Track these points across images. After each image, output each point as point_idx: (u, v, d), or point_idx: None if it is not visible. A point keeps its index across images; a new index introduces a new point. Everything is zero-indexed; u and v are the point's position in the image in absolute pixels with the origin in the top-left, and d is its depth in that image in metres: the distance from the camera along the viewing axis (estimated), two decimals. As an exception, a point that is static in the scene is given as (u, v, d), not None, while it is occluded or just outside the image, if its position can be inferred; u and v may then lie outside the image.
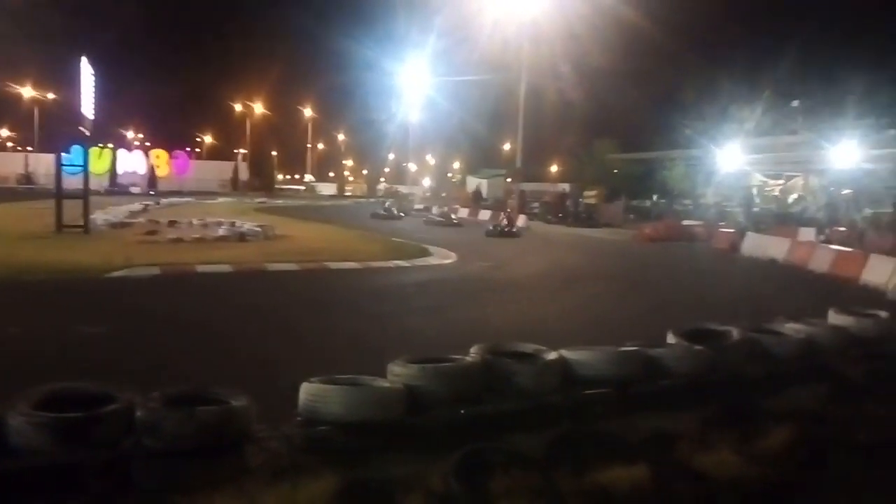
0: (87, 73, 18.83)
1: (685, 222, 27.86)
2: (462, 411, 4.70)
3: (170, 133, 75.60)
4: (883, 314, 7.47)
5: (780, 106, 33.39)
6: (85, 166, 19.26)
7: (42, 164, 50.52)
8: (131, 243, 15.61)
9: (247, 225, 19.20)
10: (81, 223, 17.64)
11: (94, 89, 19.40)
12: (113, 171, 56.49)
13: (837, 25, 47.53)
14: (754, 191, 36.08)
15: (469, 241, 20.78)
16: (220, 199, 45.03)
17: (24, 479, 3.55)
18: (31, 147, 64.29)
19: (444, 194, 58.02)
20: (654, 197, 40.79)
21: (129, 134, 78.46)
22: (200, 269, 12.52)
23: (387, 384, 4.62)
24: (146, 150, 64.49)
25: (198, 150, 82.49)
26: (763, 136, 32.72)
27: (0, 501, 3.50)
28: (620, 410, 5.08)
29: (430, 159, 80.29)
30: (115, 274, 11.49)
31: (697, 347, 5.88)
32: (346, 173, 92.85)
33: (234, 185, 63.63)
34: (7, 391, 3.88)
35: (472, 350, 5.24)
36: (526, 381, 5.01)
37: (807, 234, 22.18)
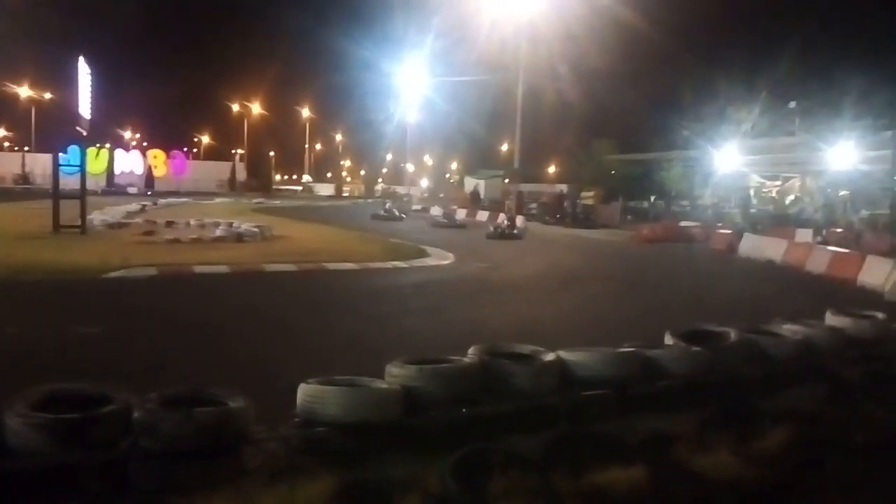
0: (84, 72, 18.81)
1: (682, 223, 27.88)
2: (461, 412, 4.70)
3: (167, 133, 75.68)
4: (880, 315, 7.49)
5: (777, 107, 33.44)
6: (82, 166, 19.25)
7: (39, 164, 50.44)
8: (128, 244, 15.58)
9: (244, 225, 19.17)
10: (78, 223, 17.63)
11: (91, 89, 19.37)
12: (110, 172, 56.45)
13: (834, 27, 47.65)
14: (751, 192, 36.14)
15: (467, 242, 20.76)
16: (218, 200, 44.97)
17: (22, 480, 3.55)
18: (28, 147, 64.17)
19: (441, 195, 58.02)
20: (652, 198, 40.81)
21: (127, 134, 78.47)
22: (198, 269, 12.51)
23: (384, 385, 4.62)
24: (143, 151, 64.46)
25: (195, 150, 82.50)
26: (760, 138, 32.77)
27: (-3, 502, 3.49)
28: (618, 411, 5.08)
29: (428, 160, 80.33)
30: (113, 274, 11.47)
31: (695, 349, 5.89)
32: (344, 174, 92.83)
33: (232, 186, 63.57)
34: (4, 392, 3.87)
35: (470, 351, 5.24)
36: (523, 382, 5.01)
37: (804, 235, 22.22)
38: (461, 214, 35.52)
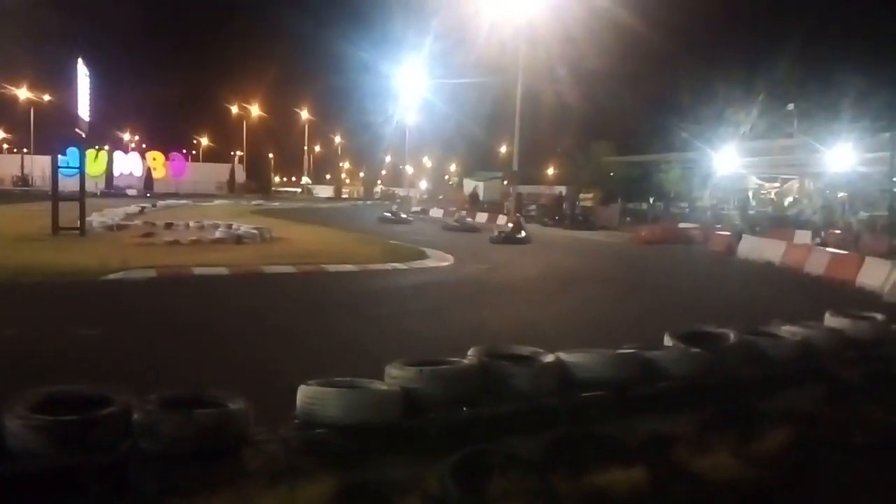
0: (83, 74, 18.81)
1: (681, 225, 27.94)
2: (460, 413, 4.70)
3: (166, 135, 75.79)
4: (879, 317, 7.50)
5: (775, 109, 33.48)
6: (81, 168, 19.25)
7: (38, 166, 50.52)
8: (128, 245, 15.57)
9: (243, 227, 19.16)
10: (78, 225, 17.62)
11: (90, 91, 19.38)
12: (109, 173, 56.49)
13: (833, 29, 47.76)
14: (750, 194, 36.19)
15: (467, 244, 20.75)
16: (217, 202, 44.96)
17: (21, 482, 3.54)
18: (28, 149, 64.15)
19: (441, 196, 58.02)
20: (651, 200, 40.88)
21: (126, 136, 78.53)
22: (197, 271, 12.50)
23: (384, 387, 4.62)
24: (142, 152, 64.51)
25: (194, 152, 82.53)
26: (759, 140, 32.79)
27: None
28: (618, 413, 5.09)
29: (427, 161, 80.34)
30: (112, 276, 11.46)
31: (694, 350, 5.89)
32: (343, 176, 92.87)
33: (231, 188, 63.61)
34: (4, 394, 3.87)
35: (470, 353, 5.24)
36: (523, 384, 5.01)
37: (803, 236, 22.27)
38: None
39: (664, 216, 35.01)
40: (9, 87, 60.26)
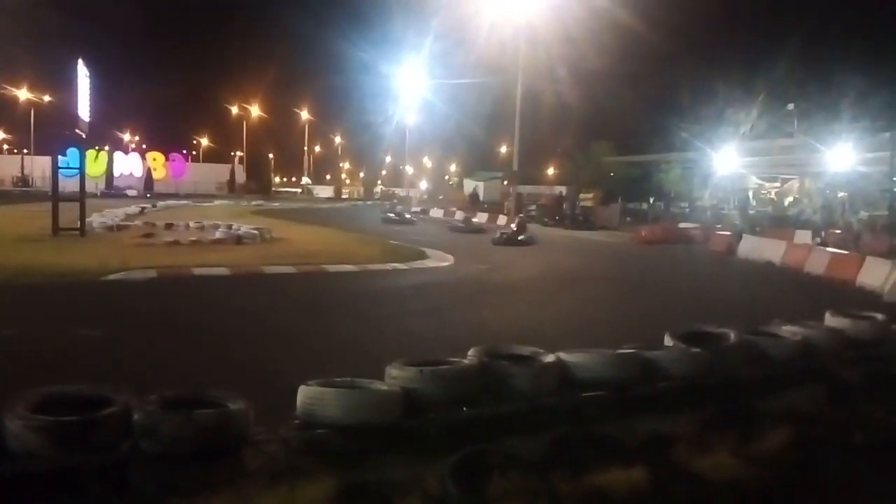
0: (83, 75, 18.82)
1: (681, 225, 27.93)
2: (460, 413, 4.70)
3: (166, 135, 75.79)
4: (879, 316, 7.49)
5: (775, 109, 33.47)
6: (81, 169, 19.26)
7: (38, 166, 50.51)
8: (128, 246, 15.58)
9: (243, 228, 19.17)
10: (78, 226, 17.63)
11: (90, 91, 19.38)
12: (109, 174, 56.54)
13: (832, 29, 47.76)
14: (750, 193, 36.18)
15: (468, 244, 20.74)
16: (217, 202, 44.98)
17: (22, 482, 3.54)
18: (28, 149, 64.16)
19: (441, 197, 58.05)
20: (651, 200, 40.88)
21: (126, 136, 78.50)
22: (197, 271, 12.50)
23: (384, 387, 4.62)
24: (143, 153, 64.53)
25: (194, 152, 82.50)
26: (759, 139, 32.80)
27: (-3, 505, 3.49)
28: (618, 413, 5.08)
29: (427, 162, 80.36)
30: (112, 277, 11.47)
31: (694, 350, 5.89)
32: (343, 176, 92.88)
33: (231, 188, 63.62)
34: (4, 394, 3.87)
35: (470, 353, 5.24)
36: (523, 384, 5.01)
37: (803, 236, 22.25)
38: (458, 216, 35.53)
39: (664, 216, 35.01)
40: (9, 87, 60.31)
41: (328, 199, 66.45)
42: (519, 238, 21.47)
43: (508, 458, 3.97)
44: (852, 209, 27.62)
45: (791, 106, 33.53)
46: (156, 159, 61.59)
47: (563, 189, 41.30)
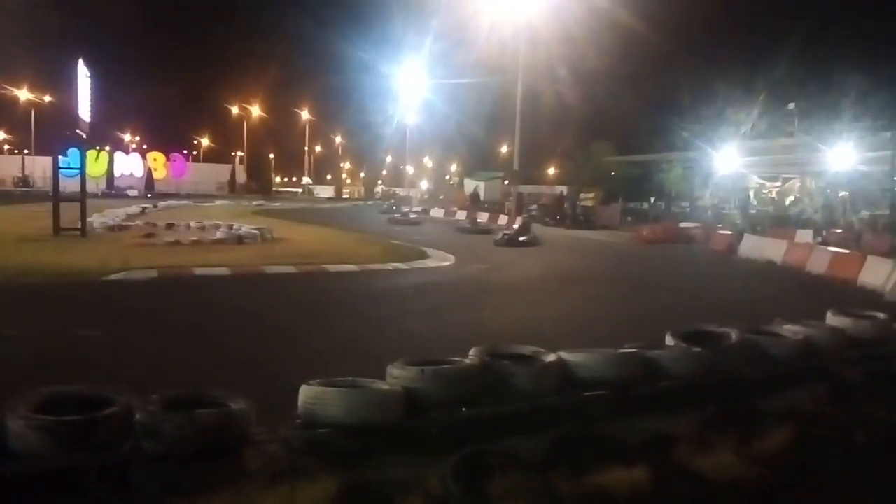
0: (83, 75, 18.82)
1: (682, 224, 27.91)
2: (461, 413, 4.70)
3: (167, 135, 75.83)
4: (881, 316, 7.49)
5: (776, 108, 33.45)
6: (82, 169, 19.26)
7: (39, 166, 50.55)
8: (129, 246, 15.59)
9: (244, 228, 19.18)
10: (79, 226, 17.63)
11: (90, 92, 19.38)
12: (110, 174, 56.57)
13: (833, 28, 47.72)
14: (751, 193, 36.16)
15: (469, 244, 20.73)
16: (218, 202, 45.00)
17: (24, 482, 3.55)
18: (28, 150, 64.26)
19: (441, 196, 58.04)
20: (652, 199, 40.86)
21: (127, 136, 78.52)
22: (198, 271, 12.51)
23: (385, 386, 4.62)
24: (143, 153, 64.55)
25: (195, 152, 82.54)
26: (759, 139, 32.79)
27: (-1, 505, 3.49)
28: (619, 412, 5.08)
29: (428, 161, 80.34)
30: (113, 277, 11.47)
31: (696, 349, 5.88)
32: (344, 176, 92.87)
33: (232, 188, 63.64)
34: (5, 394, 3.87)
35: (471, 352, 5.24)
36: (524, 384, 5.01)
37: (804, 236, 22.24)
38: (459, 216, 35.55)
39: (665, 216, 35.02)
40: (10, 87, 60.40)
41: (329, 198, 66.49)
42: (520, 239, 20.75)
43: (510, 457, 3.97)
44: (853, 208, 27.60)
45: (792, 105, 33.51)
46: (156, 159, 61.62)
47: (563, 189, 41.29)
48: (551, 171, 59.72)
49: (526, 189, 40.14)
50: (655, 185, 39.33)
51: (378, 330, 8.49)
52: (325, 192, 73.55)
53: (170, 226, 21.23)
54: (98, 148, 53.40)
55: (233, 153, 77.14)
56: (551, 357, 5.31)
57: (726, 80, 33.16)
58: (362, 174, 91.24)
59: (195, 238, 17.73)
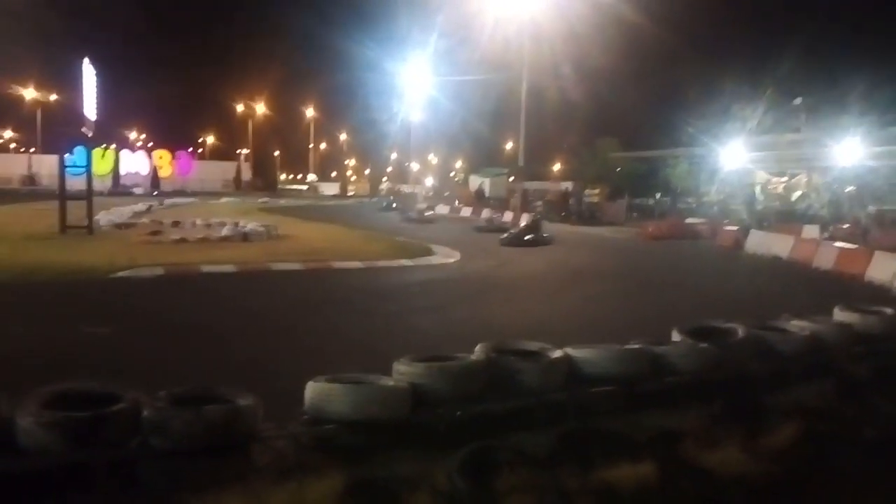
0: (89, 73, 18.88)
1: (688, 220, 27.81)
2: (468, 409, 4.71)
3: (172, 133, 76.08)
4: (888, 311, 7.46)
5: (782, 104, 33.31)
6: (88, 167, 19.32)
7: (45, 165, 50.65)
8: (135, 244, 15.65)
9: (250, 225, 19.21)
10: (85, 224, 17.70)
11: (96, 90, 19.46)
12: (116, 172, 56.70)
13: (840, 22, 47.46)
14: (757, 188, 36.01)
15: (475, 241, 20.70)
16: (224, 200, 45.05)
17: (33, 478, 3.57)
18: (35, 148, 64.47)
19: (446, 193, 58.00)
20: (657, 195, 40.73)
21: (132, 135, 78.69)
22: (204, 269, 12.54)
23: (392, 383, 4.63)
24: (149, 151, 64.68)
25: (200, 150, 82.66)
26: (766, 134, 32.65)
27: (10, 501, 3.51)
28: (626, 408, 5.08)
29: (433, 158, 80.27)
30: (120, 274, 11.52)
31: (702, 345, 5.87)
32: (349, 173, 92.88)
33: (237, 186, 63.69)
34: (14, 391, 3.89)
35: (477, 348, 5.25)
36: (531, 379, 5.02)
37: (811, 231, 22.14)
38: (465, 212, 35.54)
39: (671, 211, 34.89)
40: (16, 86, 60.62)
41: (334, 196, 66.47)
42: (526, 238, 19.56)
43: (516, 453, 3.97)
44: (860, 204, 27.45)
45: (798, 100, 33.37)
46: (162, 157, 61.72)
47: (569, 185, 41.20)
48: (556, 167, 59.61)
49: (531, 185, 40.07)
50: (661, 180, 39.19)
51: (384, 326, 8.50)
52: (330, 189, 73.51)
53: (176, 223, 21.28)
54: (104, 146, 53.52)
55: (238, 151, 77.23)
56: (557, 353, 5.31)
57: (732, 76, 33.09)
58: (367, 171, 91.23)
59: (201, 235, 17.78)
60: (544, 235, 20.40)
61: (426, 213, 30.79)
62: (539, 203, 35.98)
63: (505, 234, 20.38)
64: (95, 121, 19.59)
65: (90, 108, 18.94)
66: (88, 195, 18.22)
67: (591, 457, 4.04)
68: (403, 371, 4.71)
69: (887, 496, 4.36)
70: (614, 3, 31.89)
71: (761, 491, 4.08)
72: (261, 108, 76.17)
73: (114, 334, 7.47)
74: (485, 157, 66.68)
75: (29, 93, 62.63)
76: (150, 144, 72.94)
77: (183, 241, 16.59)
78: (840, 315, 7.32)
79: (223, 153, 78.94)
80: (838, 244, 16.75)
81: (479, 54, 35.39)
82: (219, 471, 3.72)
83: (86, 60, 18.67)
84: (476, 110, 50.42)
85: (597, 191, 36.60)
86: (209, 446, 3.79)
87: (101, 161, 50.67)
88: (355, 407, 4.27)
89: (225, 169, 67.57)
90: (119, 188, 52.89)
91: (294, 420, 4.32)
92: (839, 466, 4.53)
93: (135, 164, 60.22)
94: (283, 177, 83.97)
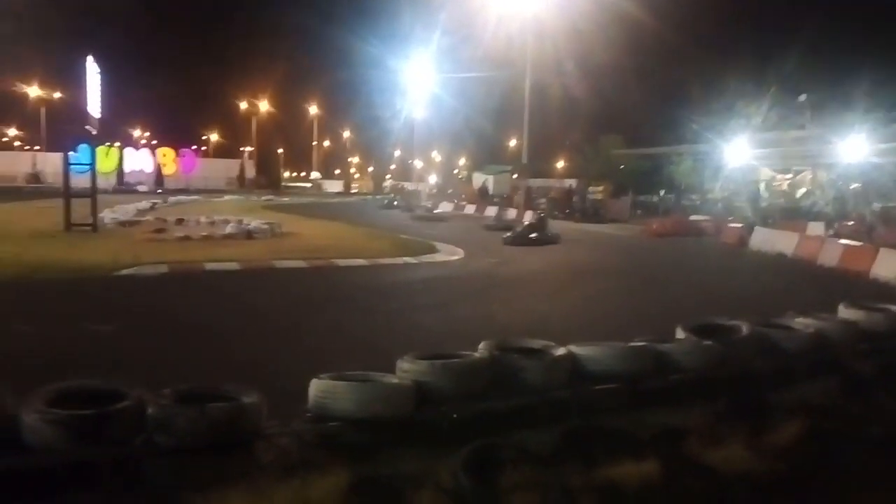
0: (93, 71, 18.91)
1: (693, 217, 27.76)
2: (472, 406, 4.71)
3: (176, 131, 76.00)
4: (893, 308, 7.45)
5: (787, 100, 33.21)
6: (92, 165, 19.36)
7: (50, 163, 50.80)
8: (139, 241, 15.68)
9: (254, 222, 19.21)
10: (90, 222, 17.74)
11: (100, 88, 19.48)
12: (120, 170, 56.79)
13: (844, 19, 47.28)
14: (762, 185, 35.92)
15: (478, 239, 20.69)
16: (227, 197, 45.09)
17: (38, 476, 3.58)
18: (39, 146, 64.61)
19: (450, 191, 57.97)
20: (661, 192, 40.64)
21: (136, 132, 78.88)
22: (208, 266, 12.56)
23: (396, 380, 4.63)
24: (153, 149, 64.74)
25: (204, 148, 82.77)
26: (770, 131, 32.55)
27: (15, 498, 3.53)
28: (629, 406, 5.08)
29: (436, 156, 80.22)
30: (124, 272, 11.55)
31: (707, 342, 5.87)
32: (353, 170, 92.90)
33: (241, 183, 63.72)
34: (20, 389, 3.91)
35: (481, 346, 5.25)
36: (534, 377, 5.02)
37: (816, 228, 22.08)
38: (469, 210, 35.52)
39: (675, 208, 34.82)
40: (20, 84, 60.77)
41: (337, 193, 66.51)
42: (531, 236, 19.04)
43: (520, 450, 3.97)
44: (865, 200, 27.36)
45: (803, 97, 33.26)
46: (166, 155, 61.78)
47: (572, 182, 41.14)
48: (560, 164, 59.54)
49: (535, 183, 40.04)
50: (665, 178, 39.11)
51: (387, 324, 8.51)
52: (333, 186, 73.54)
53: (180, 221, 21.31)
54: (108, 144, 53.56)
55: (241, 148, 77.27)
56: (561, 351, 5.31)
57: (736, 72, 32.99)
58: (371, 169, 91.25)
59: (205, 233, 17.80)
60: (550, 234, 19.99)
61: (435, 211, 30.60)
62: (542, 200, 35.96)
63: (508, 233, 19.80)
64: (99, 119, 19.63)
65: (94, 106, 18.98)
66: (93, 193, 18.27)
67: (595, 454, 4.04)
68: (407, 369, 4.72)
69: (892, 493, 4.35)
70: (617, 0, 31.82)
71: (766, 488, 4.08)
72: (264, 106, 76.22)
73: (118, 332, 7.49)
74: (488, 154, 66.66)
75: (33, 91, 62.82)
76: (154, 142, 73.11)
77: (187, 238, 16.62)
78: (845, 312, 7.30)
79: (227, 151, 79.05)
80: (843, 241, 16.71)
81: (482, 51, 35.39)
82: (223, 468, 3.73)
83: (90, 58, 18.70)
84: (479, 107, 50.42)
85: (600, 188, 36.52)
86: (213, 444, 3.80)
87: (106, 159, 50.69)
88: (359, 404, 4.28)
89: (229, 166, 67.60)
90: (123, 186, 52.99)
91: (298, 418, 4.33)
92: (844, 464, 4.52)
93: (139, 161, 60.30)
94: (286, 174, 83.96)
